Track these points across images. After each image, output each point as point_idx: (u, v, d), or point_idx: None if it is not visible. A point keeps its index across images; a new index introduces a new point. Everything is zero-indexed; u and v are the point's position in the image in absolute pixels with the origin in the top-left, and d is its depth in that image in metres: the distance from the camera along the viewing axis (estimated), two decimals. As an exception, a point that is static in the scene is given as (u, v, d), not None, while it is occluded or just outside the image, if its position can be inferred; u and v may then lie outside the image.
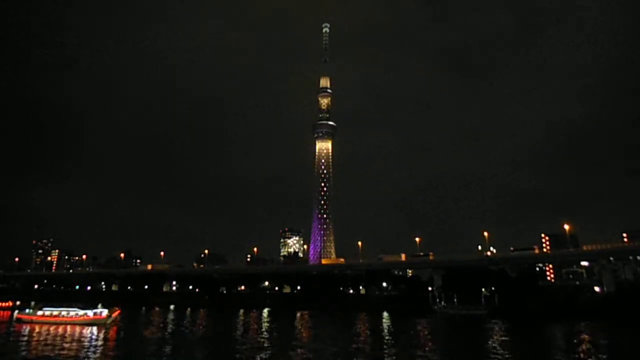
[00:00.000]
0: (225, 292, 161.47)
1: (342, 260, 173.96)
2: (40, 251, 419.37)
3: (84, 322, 72.77)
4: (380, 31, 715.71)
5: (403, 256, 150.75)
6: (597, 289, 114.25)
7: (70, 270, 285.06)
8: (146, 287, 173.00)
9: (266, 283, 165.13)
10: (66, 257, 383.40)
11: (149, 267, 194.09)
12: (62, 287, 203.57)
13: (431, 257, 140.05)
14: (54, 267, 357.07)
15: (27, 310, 78.59)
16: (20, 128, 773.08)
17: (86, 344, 52.47)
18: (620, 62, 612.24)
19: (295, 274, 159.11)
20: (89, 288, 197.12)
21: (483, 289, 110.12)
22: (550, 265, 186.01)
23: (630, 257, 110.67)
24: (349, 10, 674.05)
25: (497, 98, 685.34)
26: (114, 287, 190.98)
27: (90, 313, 74.02)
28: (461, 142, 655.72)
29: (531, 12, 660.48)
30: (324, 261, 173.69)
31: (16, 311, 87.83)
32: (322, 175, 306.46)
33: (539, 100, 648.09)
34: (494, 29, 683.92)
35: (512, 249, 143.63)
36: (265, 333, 66.04)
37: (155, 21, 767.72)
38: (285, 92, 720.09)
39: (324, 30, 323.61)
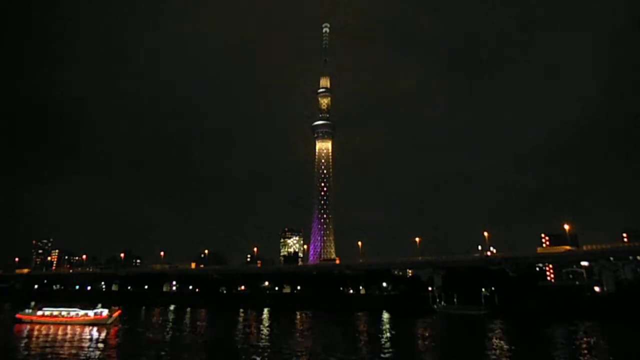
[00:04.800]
0: (225, 292, 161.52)
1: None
2: (40, 251, 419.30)
3: (84, 322, 72.67)
4: (380, 30, 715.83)
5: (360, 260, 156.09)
6: (597, 289, 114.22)
7: (70, 271, 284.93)
8: (146, 287, 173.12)
9: (266, 283, 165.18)
10: (66, 257, 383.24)
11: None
12: (62, 287, 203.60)
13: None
14: (53, 267, 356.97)
15: (27, 310, 78.36)
16: (20, 128, 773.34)
17: (87, 344, 52.46)
18: (622, 60, 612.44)
19: (295, 274, 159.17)
20: (89, 288, 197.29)
21: (483, 289, 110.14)
22: (550, 265, 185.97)
23: (630, 257, 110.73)
24: (349, 10, 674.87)
25: (497, 97, 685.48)
26: (114, 287, 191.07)
27: (90, 313, 73.89)
28: (461, 141, 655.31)
29: (531, 10, 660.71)
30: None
31: None
32: (322, 175, 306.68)
33: (540, 99, 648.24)
34: (494, 27, 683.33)
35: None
36: (265, 333, 66.04)
37: (155, 20, 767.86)
38: (285, 92, 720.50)
39: (324, 31, 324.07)
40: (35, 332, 63.42)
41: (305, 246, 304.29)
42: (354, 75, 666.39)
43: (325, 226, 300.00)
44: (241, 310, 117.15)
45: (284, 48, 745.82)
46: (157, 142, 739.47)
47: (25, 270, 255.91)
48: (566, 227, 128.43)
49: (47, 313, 76.30)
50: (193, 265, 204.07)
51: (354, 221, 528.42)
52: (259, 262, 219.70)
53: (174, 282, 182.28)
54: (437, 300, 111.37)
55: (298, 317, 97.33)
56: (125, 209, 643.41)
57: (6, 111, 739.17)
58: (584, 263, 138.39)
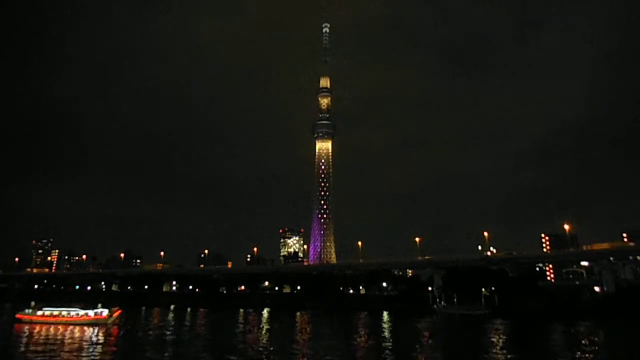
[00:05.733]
0: (225, 292, 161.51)
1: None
2: (40, 251, 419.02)
3: (84, 322, 72.64)
4: (380, 30, 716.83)
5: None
6: (597, 289, 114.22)
7: (70, 271, 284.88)
8: (146, 287, 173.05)
9: (266, 283, 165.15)
10: (66, 257, 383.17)
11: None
12: (62, 287, 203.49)
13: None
14: (54, 267, 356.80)
15: (27, 310, 78.27)
16: (20, 128, 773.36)
17: (87, 344, 52.46)
18: (622, 60, 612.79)
19: (295, 274, 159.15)
20: (89, 288, 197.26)
21: (483, 289, 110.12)
22: (550, 265, 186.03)
23: (630, 257, 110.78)
24: (349, 10, 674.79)
25: (498, 96, 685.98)
26: (114, 287, 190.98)
27: (91, 313, 73.86)
28: (462, 141, 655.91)
29: (532, 10, 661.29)
30: None
31: None
32: (322, 175, 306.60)
33: (540, 98, 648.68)
34: (494, 26, 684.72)
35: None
36: (265, 333, 66.05)
37: (155, 20, 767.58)
38: (285, 92, 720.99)
39: (324, 30, 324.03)
40: (35, 332, 63.36)
41: (305, 246, 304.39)
42: (354, 75, 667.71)
43: (325, 226, 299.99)
44: (241, 310, 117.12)
45: (284, 48, 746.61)
46: (157, 142, 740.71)
47: (46, 270, 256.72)
48: (566, 227, 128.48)
49: (47, 313, 76.19)
50: (160, 266, 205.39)
51: (354, 221, 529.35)
52: (226, 262, 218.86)
53: (174, 282, 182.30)
54: (437, 300, 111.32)
55: (298, 317, 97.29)
56: (125, 209, 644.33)
57: (6, 111, 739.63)
58: (584, 263, 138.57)
